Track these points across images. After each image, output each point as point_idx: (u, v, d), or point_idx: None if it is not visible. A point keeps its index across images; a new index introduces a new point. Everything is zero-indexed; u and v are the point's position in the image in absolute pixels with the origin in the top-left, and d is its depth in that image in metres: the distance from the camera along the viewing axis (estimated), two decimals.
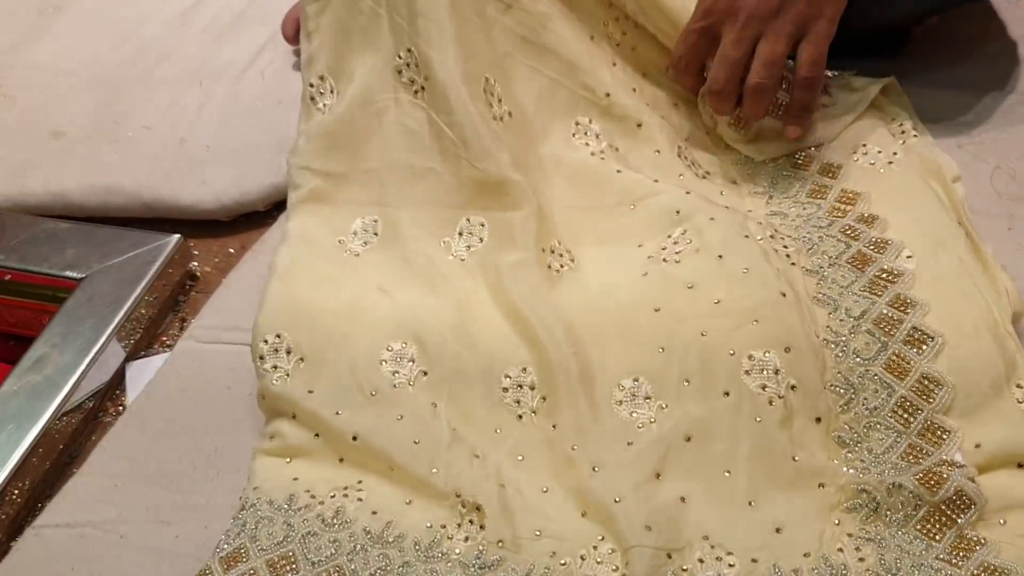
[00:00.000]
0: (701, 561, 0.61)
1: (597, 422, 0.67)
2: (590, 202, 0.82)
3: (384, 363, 0.72)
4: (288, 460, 0.68)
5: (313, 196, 0.82)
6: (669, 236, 0.77)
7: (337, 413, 0.69)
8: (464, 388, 0.71)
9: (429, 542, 0.62)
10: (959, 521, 0.60)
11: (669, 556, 0.61)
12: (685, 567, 0.60)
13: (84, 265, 0.87)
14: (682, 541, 0.62)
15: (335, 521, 0.63)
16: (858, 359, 0.68)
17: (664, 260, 0.76)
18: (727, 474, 0.64)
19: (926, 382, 0.66)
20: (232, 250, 0.93)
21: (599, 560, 0.61)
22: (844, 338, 0.70)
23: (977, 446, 0.63)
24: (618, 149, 0.84)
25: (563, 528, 0.63)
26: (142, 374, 0.83)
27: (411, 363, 0.72)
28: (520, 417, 0.70)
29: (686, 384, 0.68)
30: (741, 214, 0.78)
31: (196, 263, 0.92)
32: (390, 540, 0.62)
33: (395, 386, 0.71)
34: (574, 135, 0.85)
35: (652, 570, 0.59)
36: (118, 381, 0.83)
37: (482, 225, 0.79)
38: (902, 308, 0.70)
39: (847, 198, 0.80)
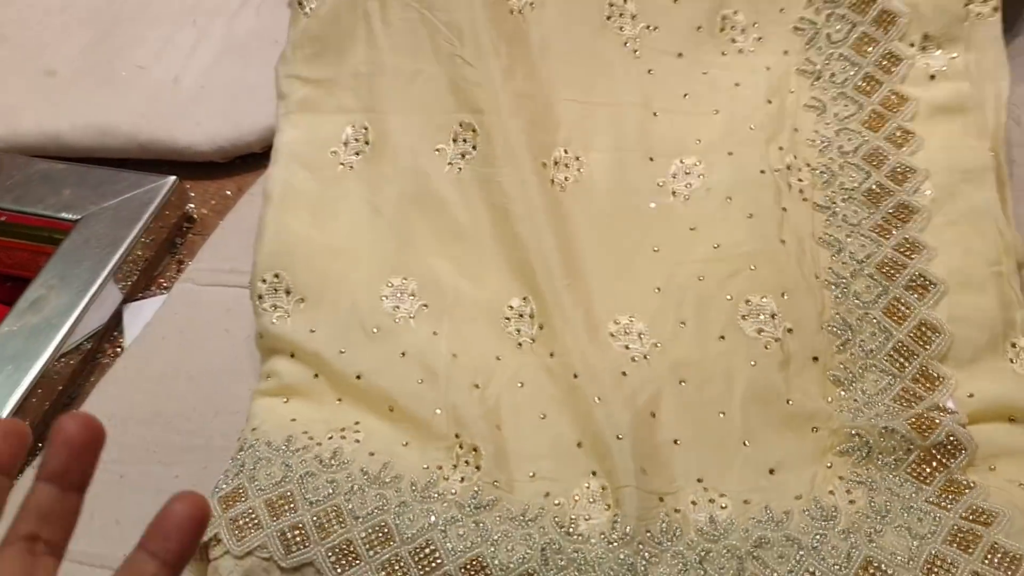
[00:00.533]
0: (694, 503, 0.62)
1: (593, 350, 0.67)
2: (610, 99, 0.80)
3: (385, 299, 0.72)
4: (285, 400, 0.69)
5: (302, 106, 0.81)
6: (682, 161, 0.76)
7: (340, 352, 0.69)
8: (465, 319, 0.71)
9: (425, 482, 0.63)
10: (950, 465, 0.60)
11: (661, 499, 0.62)
12: (678, 508, 0.61)
13: (80, 206, 0.86)
14: (675, 485, 0.62)
15: (333, 462, 0.63)
16: (858, 302, 0.68)
17: (673, 193, 0.75)
18: (721, 416, 0.65)
19: (924, 328, 0.65)
20: (229, 192, 0.92)
21: (591, 500, 0.62)
22: (845, 280, 0.69)
23: (970, 396, 0.63)
24: (657, 28, 0.82)
25: (556, 465, 0.64)
26: (140, 316, 0.83)
27: (411, 297, 0.72)
28: (520, 345, 0.70)
29: (682, 326, 0.68)
30: (766, 136, 0.76)
31: (192, 205, 0.91)
32: (387, 480, 0.63)
33: (396, 321, 0.71)
34: (608, 17, 0.82)
35: (643, 512, 0.60)
36: (116, 323, 0.83)
37: (474, 131, 0.77)
38: (908, 252, 0.69)
39: (891, 103, 0.76)
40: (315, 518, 0.60)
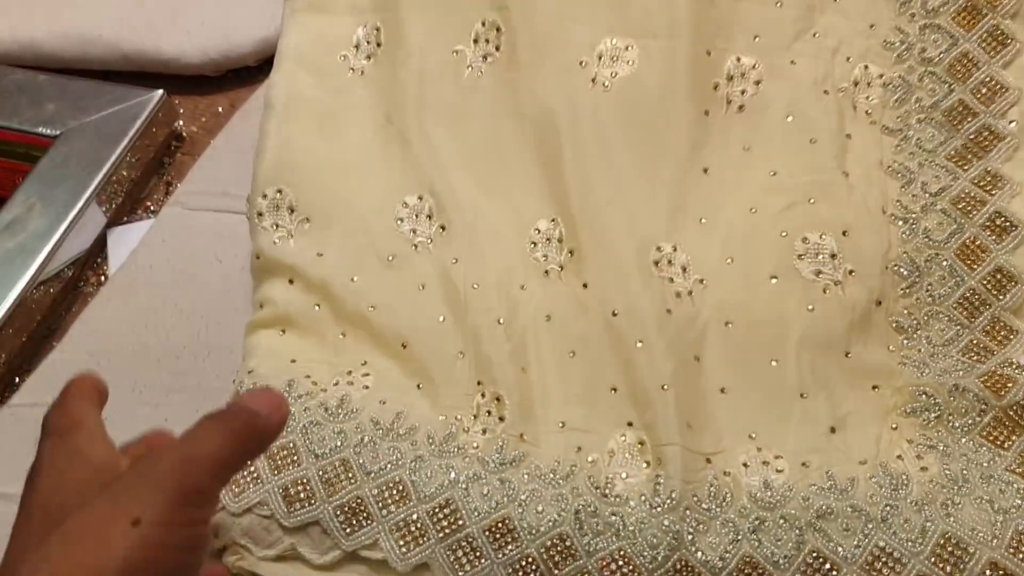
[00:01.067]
0: (745, 465, 0.56)
1: (636, 282, 0.61)
2: None
3: (400, 222, 0.66)
4: (282, 331, 0.62)
5: (310, 5, 0.73)
6: (739, 60, 0.69)
7: (352, 280, 0.63)
8: (486, 242, 0.64)
9: (444, 435, 0.57)
10: None
11: (708, 460, 0.56)
12: (727, 471, 0.55)
13: (59, 121, 0.79)
14: (723, 443, 0.57)
15: (340, 411, 0.57)
16: (927, 240, 0.61)
17: (728, 100, 0.68)
18: (774, 364, 0.59)
19: (999, 276, 0.59)
20: (220, 109, 0.85)
21: (628, 454, 0.56)
22: (915, 215, 0.62)
23: None
24: None
25: (588, 413, 0.58)
26: (125, 242, 0.76)
27: (428, 219, 0.66)
28: (547, 273, 0.63)
29: (729, 263, 0.62)
30: (832, 45, 0.68)
31: (181, 122, 0.84)
32: (401, 432, 0.57)
33: (415, 247, 0.65)
34: None
35: (689, 474, 0.54)
36: (99, 249, 0.77)
37: (498, 31, 0.70)
38: (988, 187, 0.62)
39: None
40: (321, 472, 0.54)
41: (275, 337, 0.61)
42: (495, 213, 0.65)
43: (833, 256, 0.60)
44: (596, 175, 0.64)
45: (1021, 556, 0.50)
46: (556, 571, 0.52)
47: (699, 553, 0.52)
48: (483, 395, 0.59)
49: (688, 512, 0.53)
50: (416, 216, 0.66)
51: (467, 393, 0.59)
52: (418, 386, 0.60)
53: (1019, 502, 0.52)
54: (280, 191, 0.66)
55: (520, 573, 0.52)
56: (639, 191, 0.64)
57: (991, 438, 0.55)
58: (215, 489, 0.39)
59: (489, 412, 0.58)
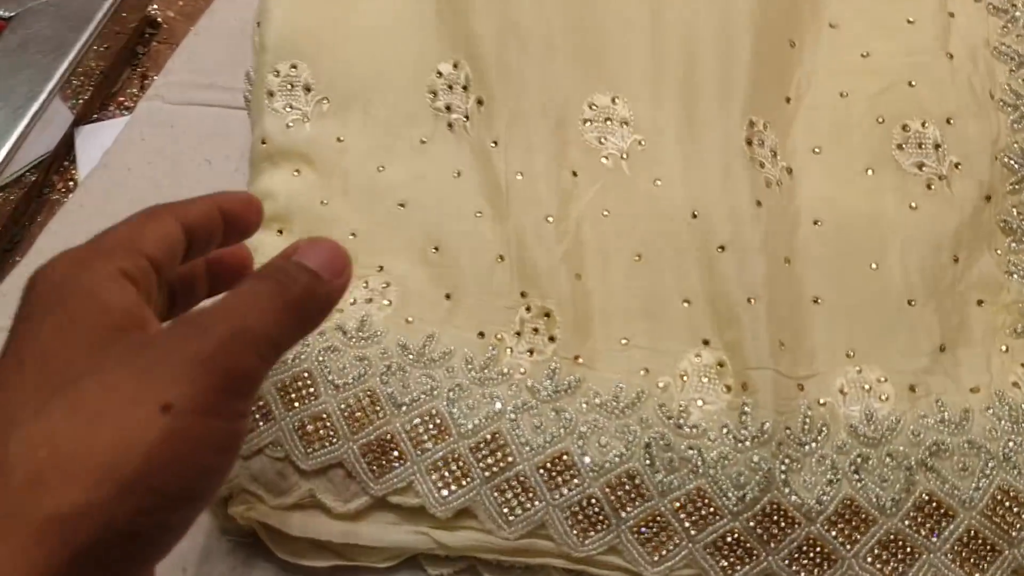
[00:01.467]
0: (843, 392, 0.48)
1: (718, 172, 0.52)
2: None
3: (434, 96, 0.56)
4: (279, 231, 0.53)
5: None
6: None
7: (379, 170, 0.54)
8: (532, 120, 0.55)
9: (485, 359, 0.48)
10: None
11: (801, 387, 0.48)
12: (822, 400, 0.48)
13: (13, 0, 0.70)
14: (816, 364, 0.49)
15: (360, 334, 0.48)
16: None
17: None
18: (873, 268, 0.51)
19: None
20: None
21: (706, 377, 0.48)
22: None
23: None
24: None
25: (655, 328, 0.50)
26: (96, 141, 0.67)
27: (464, 91, 0.56)
28: (606, 160, 0.54)
29: (816, 152, 0.54)
30: None
31: (156, 7, 0.74)
32: (435, 358, 0.48)
33: (450, 127, 0.55)
34: None
35: (781, 403, 0.47)
36: (66, 150, 0.67)
37: None
38: None
39: None
40: (344, 406, 0.45)
41: (271, 238, 0.52)
42: (540, 82, 0.55)
43: (937, 147, 0.53)
44: (672, 42, 0.56)
45: None
46: (623, 513, 0.44)
47: (793, 496, 0.45)
48: (528, 309, 0.50)
49: (780, 447, 0.46)
50: (450, 88, 0.56)
51: (508, 306, 0.50)
52: (447, 296, 0.51)
53: None
54: (295, 66, 0.56)
55: (580, 515, 0.45)
56: (719, 64, 0.55)
57: None
58: (262, 374, 0.31)
59: (536, 330, 0.49)
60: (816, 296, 0.51)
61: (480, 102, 0.55)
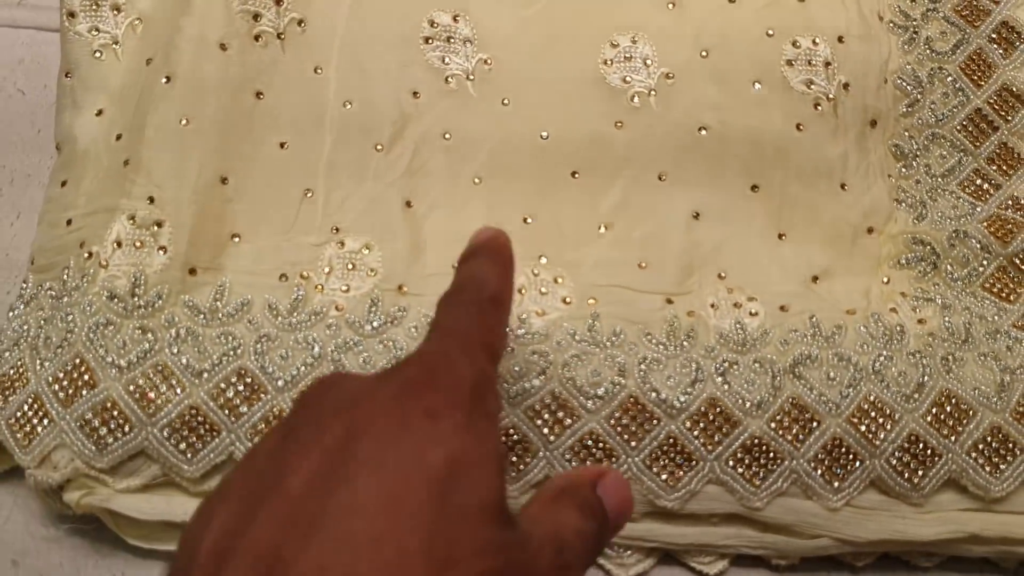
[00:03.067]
0: (714, 307, 0.46)
1: (572, 96, 0.50)
2: None
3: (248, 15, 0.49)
4: (62, 183, 0.46)
5: None
6: None
7: (166, 80, 0.46)
8: (365, 42, 0.50)
9: (291, 302, 0.44)
10: None
11: (669, 301, 0.46)
12: (691, 311, 0.46)
13: None
14: (691, 281, 0.47)
15: (136, 301, 0.43)
16: (930, 51, 0.53)
17: None
18: (753, 191, 0.49)
19: (1007, 95, 0.52)
20: None
21: (544, 289, 0.45)
22: (915, 22, 0.54)
23: None
24: None
25: None
26: None
27: (276, 4, 0.49)
28: (449, 80, 0.50)
29: (703, 56, 0.50)
30: None
31: None
32: (230, 312, 0.43)
33: (258, 37, 0.49)
34: None
35: (638, 313, 0.45)
36: None
37: None
38: None
39: None
40: (131, 388, 0.41)
41: (57, 192, 0.47)
42: (373, 3, 0.50)
43: (827, 64, 0.50)
44: None
45: None
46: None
47: (652, 392, 0.42)
48: (342, 244, 0.46)
49: (634, 347, 0.44)
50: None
51: (316, 243, 0.46)
52: (234, 236, 0.46)
53: None
54: None
55: None
56: None
57: (995, 290, 0.49)
58: None
59: (352, 266, 0.45)
60: (696, 211, 0.48)
61: (300, 23, 0.49)
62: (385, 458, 0.26)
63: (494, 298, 0.35)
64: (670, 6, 0.51)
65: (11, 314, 0.44)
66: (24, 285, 0.45)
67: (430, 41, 0.50)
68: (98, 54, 0.48)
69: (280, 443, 0.28)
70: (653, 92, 0.49)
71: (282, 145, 0.47)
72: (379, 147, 0.48)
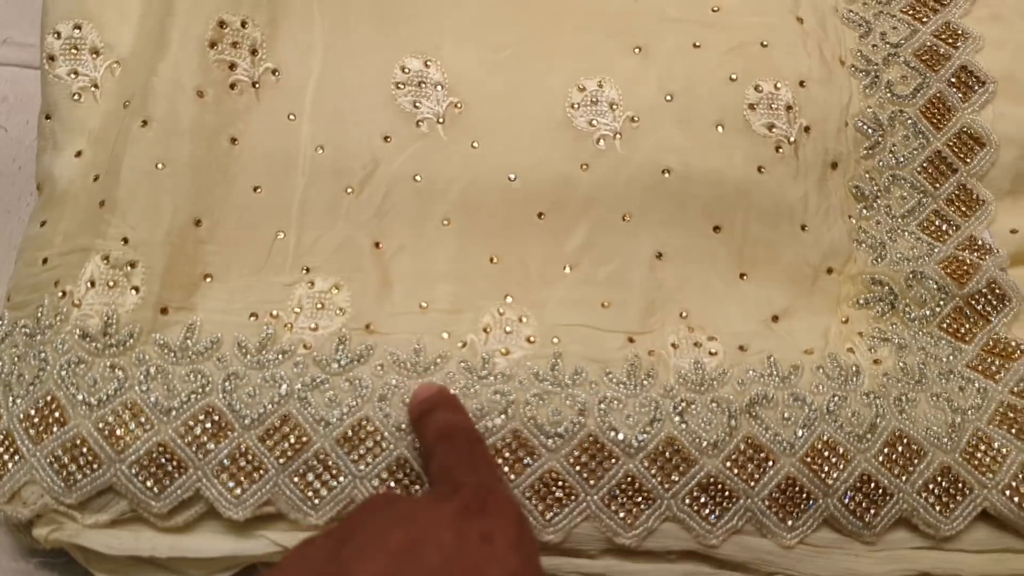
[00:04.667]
0: (674, 346, 0.47)
1: (546, 136, 0.51)
2: None
3: (213, 51, 0.50)
4: (41, 223, 0.47)
5: None
6: None
7: (143, 124, 0.47)
8: (339, 87, 0.51)
9: (260, 341, 0.45)
10: (992, 320, 0.49)
11: (631, 340, 0.47)
12: (652, 351, 0.47)
13: None
14: (653, 320, 0.48)
15: (108, 340, 0.43)
16: (891, 95, 0.54)
17: None
18: (716, 232, 0.50)
19: (966, 137, 0.53)
20: None
21: (509, 328, 0.46)
22: (877, 67, 0.55)
23: (1013, 232, 0.52)
24: None
25: (459, 290, 0.48)
26: None
27: (251, 55, 0.51)
28: (420, 124, 0.51)
29: (667, 100, 0.51)
30: None
31: None
32: (200, 350, 0.44)
33: (233, 86, 0.50)
34: None
35: (599, 352, 0.46)
36: None
37: None
38: (951, 40, 0.55)
39: None
40: (101, 426, 0.42)
41: (35, 231, 0.47)
42: (348, 51, 0.52)
43: (789, 108, 0.51)
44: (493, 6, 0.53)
45: (976, 463, 0.44)
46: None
47: (611, 431, 0.43)
48: (312, 284, 0.47)
49: (595, 387, 0.45)
50: (235, 45, 0.50)
51: (287, 283, 0.47)
52: (206, 276, 0.47)
53: (979, 402, 0.46)
54: (78, 26, 0.50)
55: (391, 481, 0.42)
56: (555, 20, 0.54)
57: (951, 330, 0.49)
58: None
59: (321, 305, 0.46)
60: (659, 251, 0.49)
61: (274, 72, 0.51)
62: (451, 569, 0.31)
63: (480, 439, 0.41)
64: (636, 51, 0.53)
65: None
66: (0, 315, 0.46)
67: (401, 86, 0.51)
68: (77, 97, 0.49)
69: (338, 546, 0.33)
70: (618, 135, 0.50)
71: (255, 189, 0.48)
72: (350, 190, 0.49)
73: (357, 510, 0.35)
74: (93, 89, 0.50)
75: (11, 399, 0.42)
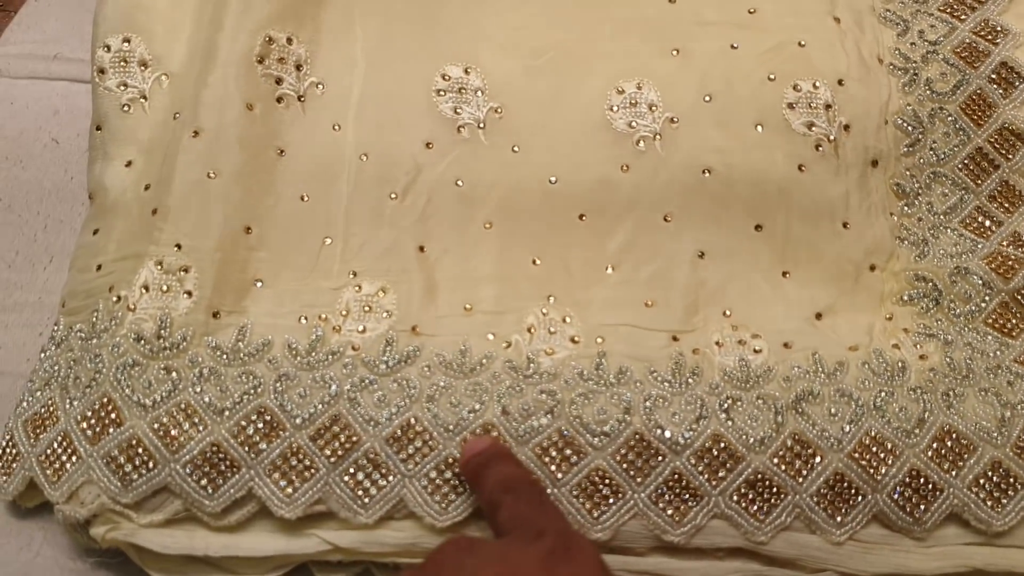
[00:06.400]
0: (719, 344, 0.47)
1: (584, 138, 0.51)
2: None
3: (263, 63, 0.51)
4: (94, 231, 0.49)
5: None
6: None
7: (194, 135, 0.48)
8: (381, 97, 0.53)
9: (310, 343, 0.46)
10: None
11: (675, 339, 0.47)
12: (697, 349, 0.47)
13: None
14: (695, 320, 0.48)
15: (161, 343, 0.44)
16: (931, 92, 0.53)
17: None
18: (757, 231, 0.50)
19: (1008, 133, 0.52)
20: None
21: (552, 329, 0.47)
22: (915, 65, 0.54)
23: None
24: None
25: (501, 291, 0.48)
26: None
27: (296, 69, 0.52)
28: (460, 130, 0.52)
29: (706, 101, 0.52)
30: None
31: None
32: (251, 352, 0.45)
33: (280, 99, 0.51)
34: None
35: (643, 351, 0.46)
36: None
37: None
38: (990, 36, 0.54)
39: None
40: (156, 426, 0.43)
41: (88, 239, 0.49)
42: (388, 61, 0.53)
43: (828, 107, 0.51)
44: (520, 6, 0.54)
45: None
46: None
47: (657, 429, 0.43)
48: (359, 287, 0.48)
49: (640, 385, 0.45)
50: (284, 59, 0.52)
51: (335, 287, 0.48)
52: (257, 282, 0.48)
53: None
54: (128, 40, 0.52)
55: (439, 480, 0.43)
56: (594, 25, 0.54)
57: (997, 326, 0.49)
58: None
59: (368, 308, 0.47)
60: (701, 251, 0.50)
61: (319, 85, 0.52)
62: None
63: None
64: (674, 53, 0.53)
65: (42, 355, 0.46)
66: (55, 327, 0.47)
67: (443, 93, 0.52)
68: (126, 108, 0.51)
69: None
70: (658, 136, 0.51)
71: (303, 197, 0.49)
72: (394, 195, 0.50)
73: (437, 552, 0.36)
74: (142, 100, 0.51)
75: (68, 401, 0.43)
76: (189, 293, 0.45)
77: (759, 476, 0.42)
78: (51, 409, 0.44)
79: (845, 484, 0.42)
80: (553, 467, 0.43)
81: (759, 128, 0.51)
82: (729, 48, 0.53)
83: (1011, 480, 0.43)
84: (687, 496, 0.42)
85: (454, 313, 0.47)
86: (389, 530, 0.43)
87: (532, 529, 0.36)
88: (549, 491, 0.42)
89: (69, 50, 0.62)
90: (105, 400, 0.43)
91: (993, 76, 0.53)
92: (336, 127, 0.51)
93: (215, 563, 0.43)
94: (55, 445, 0.43)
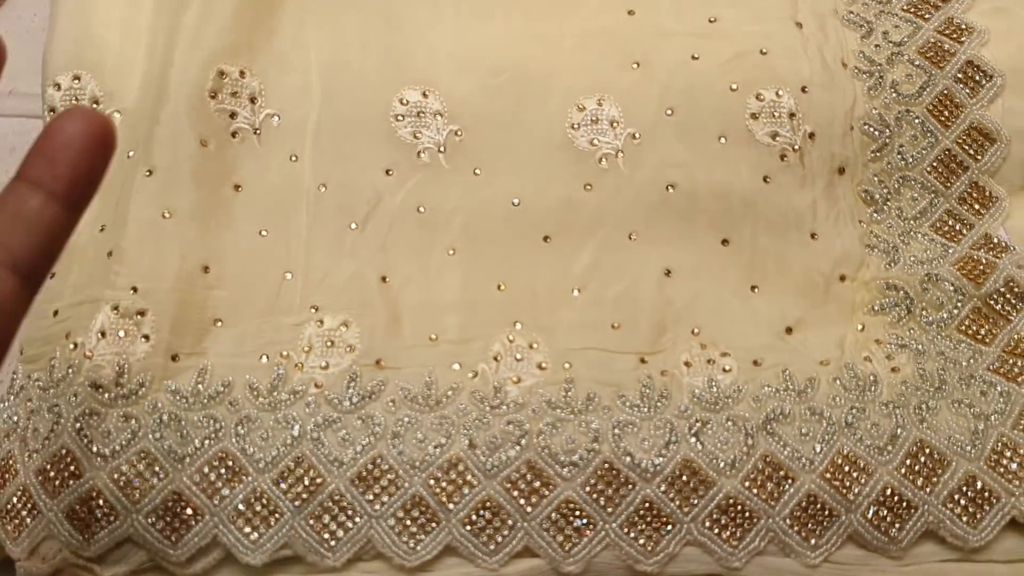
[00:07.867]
0: (687, 365, 0.47)
1: (549, 160, 0.51)
2: None
3: (216, 98, 0.50)
4: (51, 274, 0.46)
5: None
6: None
7: (148, 173, 0.47)
8: (338, 125, 0.51)
9: (271, 382, 0.45)
10: (1012, 319, 0.48)
11: (643, 360, 0.47)
12: (665, 371, 0.46)
13: None
14: (664, 339, 0.48)
15: (120, 390, 0.43)
16: (897, 95, 0.53)
17: None
18: (724, 245, 0.49)
19: (976, 133, 0.52)
20: None
21: (519, 356, 0.46)
22: (880, 67, 0.54)
23: None
24: None
25: (466, 319, 0.47)
26: None
27: (251, 103, 0.51)
28: (420, 155, 0.51)
29: (668, 115, 0.51)
30: None
31: None
32: (211, 395, 0.44)
33: (235, 134, 0.50)
34: None
35: (611, 375, 0.46)
36: None
37: None
38: (955, 35, 0.54)
39: None
40: (116, 476, 0.42)
41: (45, 284, 0.47)
42: (348, 87, 0.52)
43: (792, 115, 0.50)
44: (492, 25, 0.53)
45: (1002, 470, 0.43)
46: (452, 505, 0.42)
47: (626, 456, 0.43)
48: (320, 322, 0.47)
49: (608, 411, 0.44)
50: (235, 95, 0.51)
51: (296, 323, 0.47)
52: (216, 321, 0.47)
53: (1002, 406, 0.45)
54: (77, 77, 0.51)
55: (407, 520, 0.42)
56: (553, 40, 0.54)
57: (970, 332, 0.48)
58: None
59: (331, 343, 0.46)
60: (668, 268, 0.49)
61: (274, 117, 0.51)
62: None
63: None
64: (634, 66, 0.52)
65: (2, 405, 0.45)
66: (14, 375, 0.46)
67: (401, 118, 0.51)
68: None
69: None
70: (620, 153, 0.50)
71: (261, 232, 0.48)
72: (354, 226, 0.49)
73: None
74: None
75: (27, 454, 0.42)
76: (147, 337, 0.44)
77: (731, 501, 0.42)
78: (10, 462, 0.43)
79: (818, 505, 0.42)
80: (522, 500, 0.42)
81: (722, 140, 0.50)
82: (690, 59, 0.52)
83: (986, 495, 0.42)
84: (659, 524, 0.42)
85: (419, 344, 0.46)
86: (358, 572, 0.42)
87: None
88: (519, 525, 0.41)
89: (25, 85, 0.60)
90: (64, 452, 0.42)
91: (959, 76, 0.52)
92: (293, 158, 0.50)
93: None
94: (14, 500, 0.42)
